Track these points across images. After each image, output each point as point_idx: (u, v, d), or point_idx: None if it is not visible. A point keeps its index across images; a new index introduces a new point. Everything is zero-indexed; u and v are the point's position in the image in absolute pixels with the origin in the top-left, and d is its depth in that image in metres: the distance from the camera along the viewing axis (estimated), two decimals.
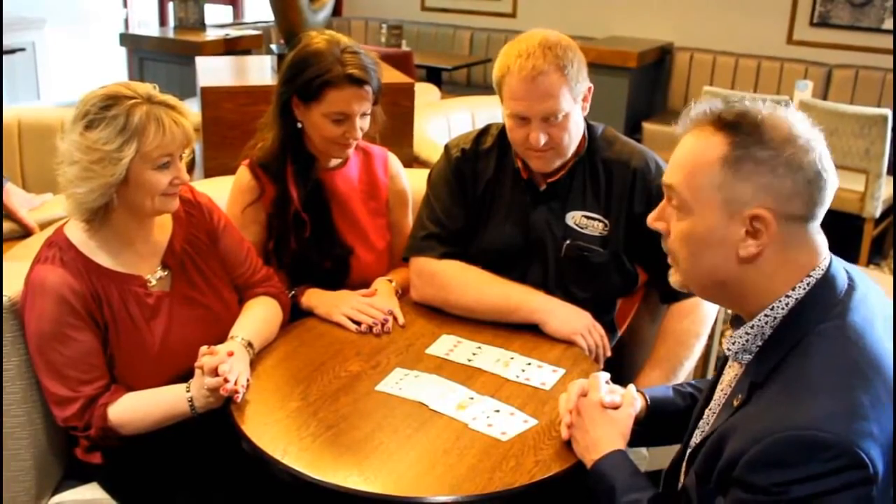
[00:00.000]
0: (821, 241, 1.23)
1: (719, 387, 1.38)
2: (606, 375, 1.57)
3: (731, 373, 1.35)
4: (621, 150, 1.99)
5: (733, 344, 1.28)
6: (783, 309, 1.21)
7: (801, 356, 1.17)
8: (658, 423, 1.58)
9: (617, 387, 1.55)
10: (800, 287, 1.20)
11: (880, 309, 1.23)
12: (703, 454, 1.23)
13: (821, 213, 1.21)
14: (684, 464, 1.38)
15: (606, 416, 1.48)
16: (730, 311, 1.35)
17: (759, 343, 1.24)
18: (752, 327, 1.24)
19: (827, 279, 1.20)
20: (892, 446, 1.08)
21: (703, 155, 1.20)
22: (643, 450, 2.04)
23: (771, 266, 1.20)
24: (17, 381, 1.70)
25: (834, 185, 1.20)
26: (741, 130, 1.18)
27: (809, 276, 1.20)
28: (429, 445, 1.52)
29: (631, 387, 1.57)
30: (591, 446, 1.45)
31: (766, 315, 1.22)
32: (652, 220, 1.33)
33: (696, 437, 1.38)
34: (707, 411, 1.39)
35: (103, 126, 1.60)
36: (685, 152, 1.24)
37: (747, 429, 1.14)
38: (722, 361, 1.42)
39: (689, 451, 1.37)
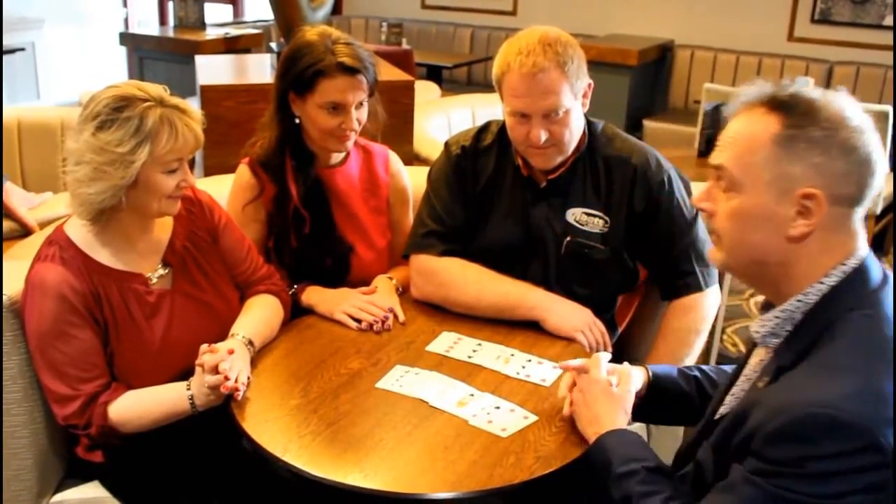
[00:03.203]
0: (861, 232, 1.23)
1: (744, 372, 1.38)
2: (608, 356, 1.59)
3: (757, 358, 1.35)
4: (622, 147, 1.99)
5: (762, 327, 1.27)
6: (816, 295, 1.21)
7: (829, 339, 1.17)
8: (658, 400, 1.60)
9: (615, 365, 1.58)
10: (834, 274, 1.20)
11: None
12: (722, 428, 1.24)
13: (869, 198, 1.20)
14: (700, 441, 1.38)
15: (608, 393, 1.50)
16: (752, 304, 1.35)
17: (789, 328, 1.24)
18: (782, 311, 1.24)
19: (862, 269, 1.21)
20: None
21: (756, 134, 1.21)
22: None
23: (816, 248, 1.20)
24: (18, 380, 1.70)
25: (884, 171, 1.20)
26: (795, 111, 1.19)
27: (845, 264, 1.21)
28: (429, 442, 1.52)
29: (626, 364, 1.58)
30: (594, 421, 1.47)
31: (797, 300, 1.22)
32: (697, 200, 1.32)
33: (714, 418, 1.38)
34: (728, 396, 1.38)
35: (116, 128, 1.60)
36: (736, 132, 1.24)
37: (769, 403, 1.15)
38: (749, 348, 1.41)
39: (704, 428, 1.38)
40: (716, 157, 1.26)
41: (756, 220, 1.22)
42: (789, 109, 1.19)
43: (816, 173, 1.17)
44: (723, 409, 1.37)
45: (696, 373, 1.63)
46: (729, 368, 1.68)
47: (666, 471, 1.38)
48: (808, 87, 1.23)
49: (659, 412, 1.65)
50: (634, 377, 1.56)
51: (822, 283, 1.21)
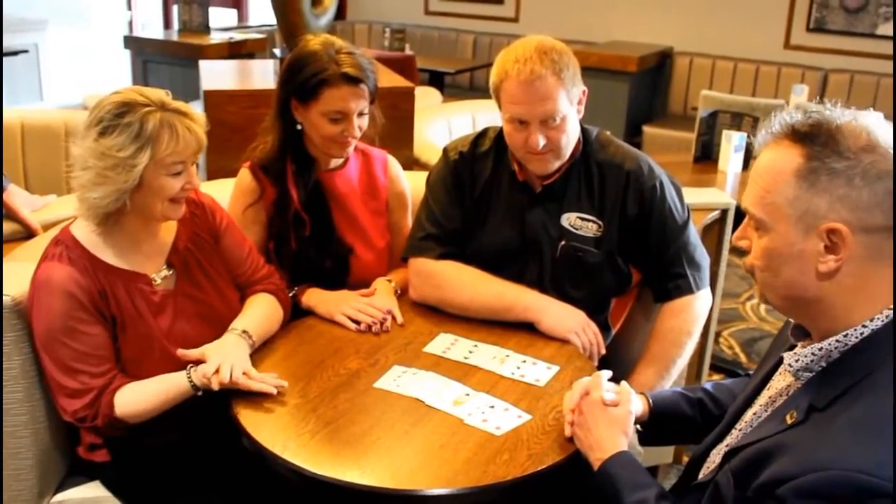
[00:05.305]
0: None
1: (767, 391, 1.35)
2: (608, 374, 1.59)
3: (784, 381, 1.31)
4: (615, 153, 2.02)
5: (796, 361, 1.24)
6: (857, 338, 1.17)
7: (869, 392, 1.11)
8: (661, 426, 1.61)
9: (614, 385, 1.58)
10: (878, 318, 1.15)
11: None
12: (745, 460, 1.21)
13: None
14: (717, 457, 1.38)
15: (607, 415, 1.50)
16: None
17: (823, 363, 1.20)
18: (819, 349, 1.20)
19: None
20: None
21: (777, 171, 1.18)
22: (637, 446, 2.06)
23: (851, 283, 1.16)
24: (20, 380, 1.71)
25: None
26: (817, 141, 1.15)
27: (891, 308, 1.15)
28: (425, 440, 1.54)
29: (624, 383, 1.59)
30: (595, 445, 1.47)
31: (837, 341, 1.18)
32: (736, 238, 1.29)
33: (735, 436, 1.37)
34: (750, 413, 1.36)
35: (117, 133, 1.63)
36: (759, 170, 1.21)
37: (803, 453, 1.10)
38: (774, 364, 1.37)
39: (724, 446, 1.37)
40: (742, 200, 1.24)
41: (784, 258, 1.19)
42: (811, 140, 1.15)
43: (841, 206, 1.12)
44: (741, 427, 1.36)
45: (701, 394, 1.63)
46: (730, 381, 1.68)
47: (669, 497, 1.38)
48: (835, 111, 1.18)
49: (662, 437, 1.67)
50: (634, 400, 1.56)
51: (865, 326, 1.16)
